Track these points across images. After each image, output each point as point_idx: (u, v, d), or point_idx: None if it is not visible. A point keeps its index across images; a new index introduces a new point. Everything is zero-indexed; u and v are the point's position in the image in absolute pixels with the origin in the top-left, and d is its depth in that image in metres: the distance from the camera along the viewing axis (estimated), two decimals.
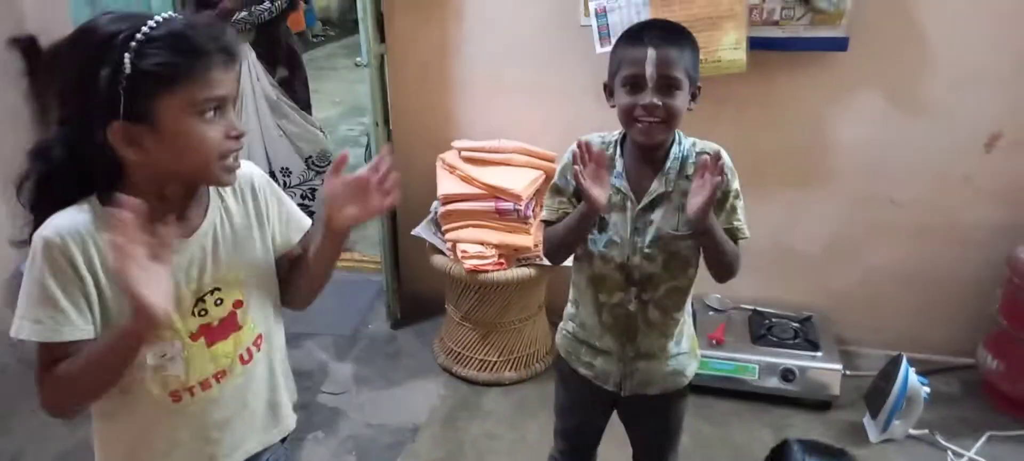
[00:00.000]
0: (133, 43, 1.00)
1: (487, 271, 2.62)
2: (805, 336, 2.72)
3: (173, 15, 1.06)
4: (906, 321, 2.86)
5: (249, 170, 1.27)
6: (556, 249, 1.63)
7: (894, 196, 2.71)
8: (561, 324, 1.82)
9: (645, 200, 1.53)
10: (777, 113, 2.69)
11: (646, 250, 1.55)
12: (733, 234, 1.55)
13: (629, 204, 1.55)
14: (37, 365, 1.08)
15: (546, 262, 2.60)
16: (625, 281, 1.59)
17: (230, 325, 1.20)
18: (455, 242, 2.68)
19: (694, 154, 1.56)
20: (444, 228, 2.73)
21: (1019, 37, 2.44)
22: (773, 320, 2.81)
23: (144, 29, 1.01)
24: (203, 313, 1.16)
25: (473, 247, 2.64)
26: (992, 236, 2.64)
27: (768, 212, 2.78)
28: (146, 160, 1.06)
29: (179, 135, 1.04)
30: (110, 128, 1.02)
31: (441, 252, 2.76)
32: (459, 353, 2.87)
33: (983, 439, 2.46)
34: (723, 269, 1.56)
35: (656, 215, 1.54)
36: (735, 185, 1.57)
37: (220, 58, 1.05)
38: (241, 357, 1.23)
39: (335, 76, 7.31)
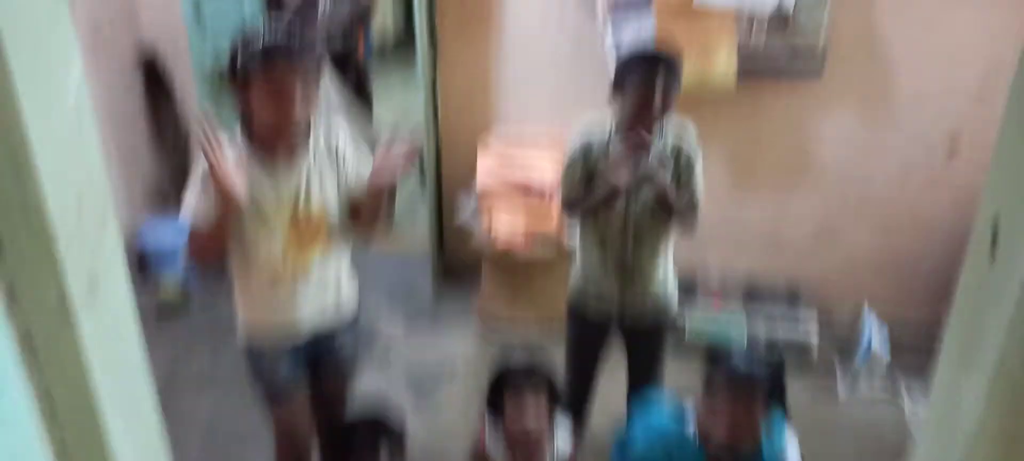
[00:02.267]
0: (239, 42, 1.62)
1: (516, 248, 3.13)
2: (790, 304, 3.16)
3: (263, 29, 1.65)
4: (882, 294, 3.25)
5: (340, 129, 1.82)
6: (575, 216, 2.16)
7: (869, 190, 3.12)
8: (571, 275, 2.32)
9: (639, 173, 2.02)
10: (765, 125, 3.14)
11: (638, 209, 2.05)
12: (693, 197, 2.05)
13: None
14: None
15: (568, 244, 3.14)
16: (623, 234, 2.10)
17: (315, 232, 1.77)
18: (490, 222, 3.20)
19: (671, 135, 2.06)
20: (481, 210, 3.25)
21: (972, 58, 2.84)
22: (763, 289, 3.26)
23: (247, 35, 1.62)
24: (296, 220, 1.73)
25: (505, 227, 3.15)
26: (960, 222, 3.02)
27: (760, 204, 3.23)
28: (251, 112, 1.66)
29: (254, 102, 1.64)
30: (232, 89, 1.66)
31: (478, 232, 3.29)
32: (493, 314, 3.38)
33: None
34: (680, 223, 2.06)
35: (645, 183, 2.04)
36: (698, 158, 2.06)
37: (281, 59, 1.60)
38: (320, 258, 1.80)
39: (387, 97, 7.95)
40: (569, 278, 2.33)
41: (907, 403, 2.83)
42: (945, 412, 0.64)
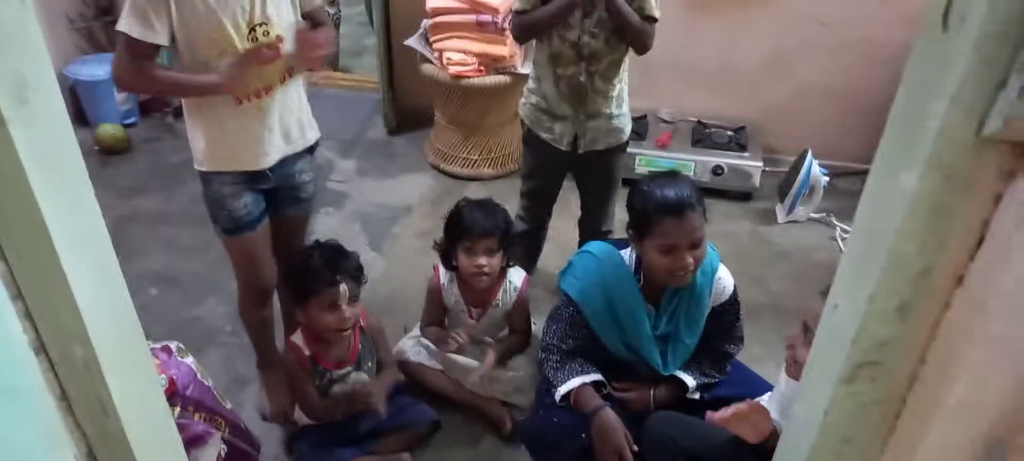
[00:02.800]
0: None
1: (468, 76, 3.06)
2: (737, 141, 3.22)
3: None
4: (823, 130, 3.33)
5: None
6: (528, 31, 2.09)
7: (822, 17, 3.11)
8: (523, 100, 2.30)
9: None
10: None
11: (592, 30, 2.01)
12: (642, 11, 2.00)
13: None
14: (122, 48, 1.60)
15: (520, 71, 3.09)
16: (577, 56, 2.06)
17: (274, 53, 1.68)
18: (441, 51, 3.11)
19: None
20: (432, 39, 3.14)
21: None
22: (713, 128, 3.30)
23: None
24: (255, 40, 1.67)
25: (457, 55, 3.07)
26: (900, 53, 3.07)
27: (713, 33, 3.20)
28: None
29: None
30: None
31: (430, 61, 3.19)
32: (445, 153, 3.37)
33: None
34: (632, 39, 2.03)
35: (599, 2, 1.98)
36: None
37: None
38: (281, 78, 1.75)
39: None
40: (524, 104, 2.31)
41: (839, 228, 2.98)
42: (879, 202, 0.67)
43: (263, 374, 2.23)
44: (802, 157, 2.96)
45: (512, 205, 3.10)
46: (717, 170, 3.11)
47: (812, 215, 3.02)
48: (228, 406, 1.94)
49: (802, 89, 3.28)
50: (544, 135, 2.24)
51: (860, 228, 0.70)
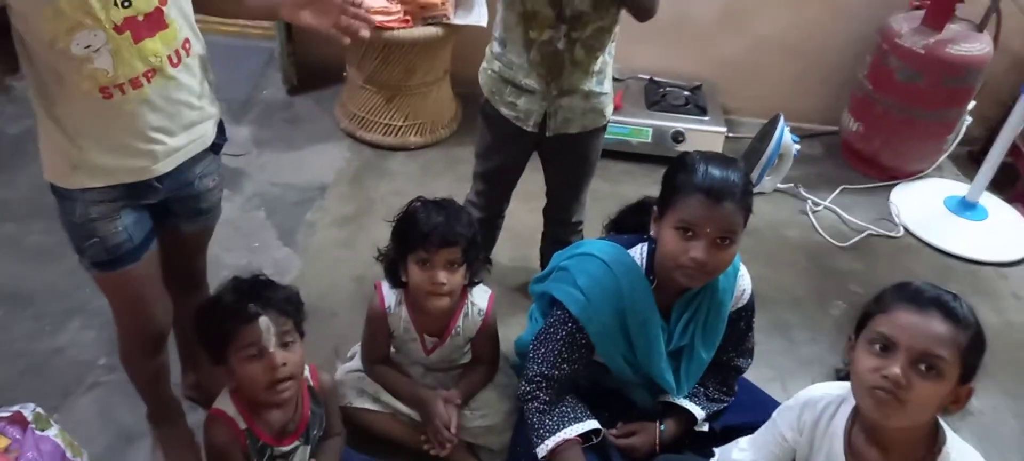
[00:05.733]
0: None
1: (392, 28, 2.54)
2: (695, 103, 2.90)
3: None
4: (783, 90, 3.10)
5: None
6: None
7: None
8: (484, 65, 1.86)
9: None
10: None
11: None
12: None
13: None
14: None
15: (454, 21, 2.61)
16: (556, 18, 1.63)
17: (156, 23, 1.18)
18: None
19: None
20: None
21: None
22: (667, 88, 2.97)
23: None
24: (127, 4, 1.13)
25: (377, 3, 2.53)
26: (867, 7, 2.85)
27: None
28: None
29: None
30: None
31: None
32: (363, 118, 2.85)
33: (837, 191, 2.82)
34: (643, 6, 1.62)
35: None
36: None
37: None
38: (170, 59, 1.22)
39: None
40: (484, 70, 1.87)
41: (809, 200, 2.76)
42: None
43: (157, 430, 1.72)
44: (773, 123, 2.68)
45: (446, 181, 2.67)
46: (677, 137, 2.79)
47: (779, 186, 2.77)
48: None
49: (761, 45, 3.00)
50: (505, 111, 1.82)
51: None
